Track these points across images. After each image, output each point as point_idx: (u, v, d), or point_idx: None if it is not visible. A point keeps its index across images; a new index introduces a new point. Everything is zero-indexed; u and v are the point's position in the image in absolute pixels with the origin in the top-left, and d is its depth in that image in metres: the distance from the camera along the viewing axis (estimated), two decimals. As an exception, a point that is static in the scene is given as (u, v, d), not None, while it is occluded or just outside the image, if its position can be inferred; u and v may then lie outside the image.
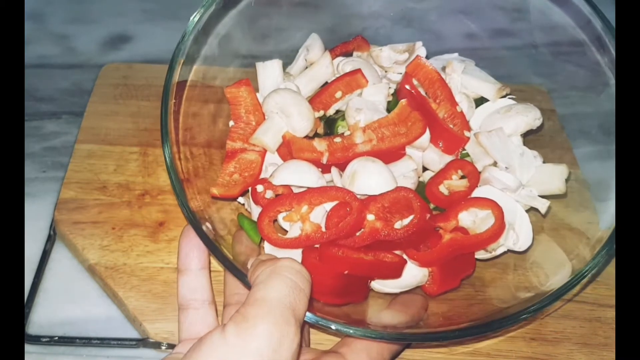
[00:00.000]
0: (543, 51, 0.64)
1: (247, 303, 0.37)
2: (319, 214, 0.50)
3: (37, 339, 0.52)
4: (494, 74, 0.63)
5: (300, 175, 0.52)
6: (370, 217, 0.49)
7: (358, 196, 0.50)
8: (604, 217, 0.51)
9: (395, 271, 0.50)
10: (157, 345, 0.52)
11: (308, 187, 0.51)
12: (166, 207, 0.59)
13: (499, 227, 0.50)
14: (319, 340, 0.53)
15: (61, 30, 0.79)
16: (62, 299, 0.55)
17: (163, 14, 0.83)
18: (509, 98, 0.60)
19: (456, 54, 0.64)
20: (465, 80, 0.61)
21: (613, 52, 0.53)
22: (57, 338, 0.52)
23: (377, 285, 0.51)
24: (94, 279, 0.56)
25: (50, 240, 0.58)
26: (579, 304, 0.57)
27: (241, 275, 0.43)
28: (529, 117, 0.57)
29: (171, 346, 0.52)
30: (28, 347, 0.52)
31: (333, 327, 0.43)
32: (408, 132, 0.54)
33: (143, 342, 0.53)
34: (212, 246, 0.45)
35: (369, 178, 0.51)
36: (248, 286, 0.42)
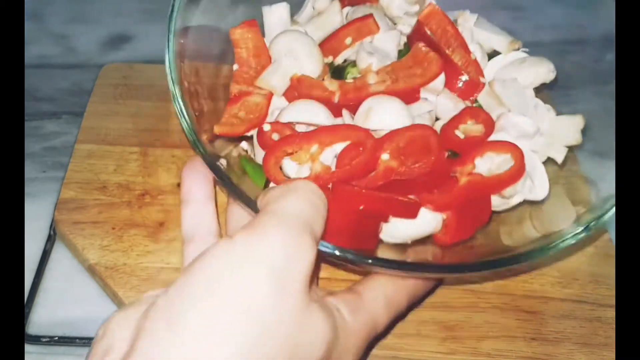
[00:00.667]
0: (544, 50, 0.64)
1: (259, 215, 0.34)
2: (329, 157, 0.47)
3: (37, 339, 0.52)
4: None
5: (310, 113, 0.49)
6: (385, 156, 0.46)
7: (373, 134, 0.47)
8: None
9: (411, 209, 0.47)
10: (157, 345, 0.52)
11: (318, 126, 0.48)
12: (166, 207, 0.59)
13: (519, 168, 0.48)
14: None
15: (61, 30, 0.79)
16: (62, 299, 0.55)
17: (163, 14, 0.82)
18: (522, 51, 0.59)
19: (467, 10, 0.62)
20: (477, 32, 0.59)
21: (613, 51, 0.53)
22: (57, 338, 0.52)
23: (387, 237, 0.49)
24: (94, 279, 0.56)
25: (50, 240, 0.58)
26: (580, 304, 0.57)
27: (251, 202, 0.40)
28: (543, 68, 0.56)
29: (171, 346, 0.52)
30: (28, 347, 0.52)
31: (349, 256, 0.39)
32: (424, 73, 0.52)
33: (143, 342, 0.53)
34: (221, 173, 0.42)
35: (384, 114, 0.48)
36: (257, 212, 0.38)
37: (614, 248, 0.61)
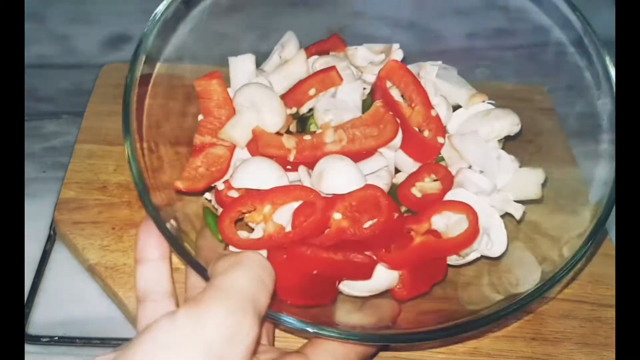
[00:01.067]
0: (543, 51, 0.64)
1: (203, 292, 0.34)
2: (285, 214, 0.48)
3: (37, 339, 0.52)
4: (494, 74, 0.63)
5: (260, 176, 0.50)
6: (337, 215, 0.47)
7: (325, 195, 0.48)
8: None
9: (365, 271, 0.48)
10: (157, 345, 0.52)
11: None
12: (166, 207, 0.59)
13: (473, 231, 0.49)
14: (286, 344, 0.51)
15: (61, 30, 0.79)
16: (62, 299, 0.55)
17: (163, 14, 0.82)
18: (488, 103, 0.59)
19: (439, 62, 0.62)
20: (438, 84, 0.59)
21: (613, 52, 0.53)
22: (57, 338, 0.52)
23: (346, 288, 0.50)
24: (94, 279, 0.56)
25: (50, 240, 0.58)
26: (579, 304, 0.57)
27: (201, 270, 0.41)
28: (507, 121, 0.56)
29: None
30: (28, 347, 0.52)
31: (295, 324, 0.40)
32: (379, 135, 0.53)
33: (143, 342, 0.53)
34: (172, 239, 0.42)
35: (337, 176, 0.49)
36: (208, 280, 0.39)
37: (614, 248, 0.61)
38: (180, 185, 0.51)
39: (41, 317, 0.53)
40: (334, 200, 0.48)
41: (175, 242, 0.42)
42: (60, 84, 0.72)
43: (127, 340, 0.52)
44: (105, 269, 0.55)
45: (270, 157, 0.51)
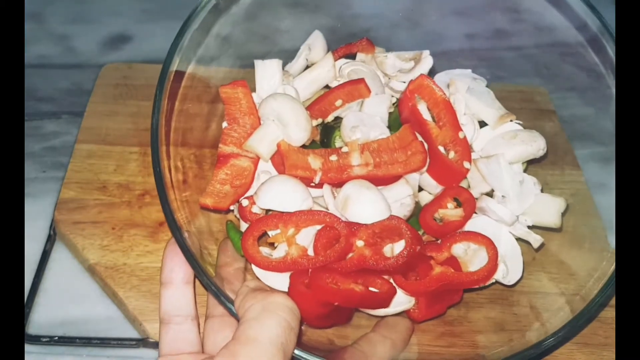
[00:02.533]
0: (543, 52, 0.64)
1: (238, 340, 0.36)
2: (308, 235, 0.48)
3: (37, 339, 0.52)
4: (494, 74, 0.62)
5: (284, 196, 0.50)
6: (360, 243, 0.48)
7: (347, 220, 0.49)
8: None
9: (384, 302, 0.49)
10: (156, 345, 0.52)
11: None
12: (166, 207, 0.59)
13: (492, 268, 0.50)
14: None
15: (61, 30, 0.79)
16: (62, 299, 0.55)
17: (163, 14, 0.83)
18: (516, 123, 0.58)
19: (469, 71, 0.61)
20: (467, 101, 0.58)
21: (613, 53, 0.53)
22: (57, 338, 0.52)
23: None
24: (94, 279, 0.56)
25: (50, 240, 0.58)
26: (579, 304, 0.57)
27: (225, 301, 0.42)
28: (533, 147, 0.55)
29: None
30: (28, 347, 0.52)
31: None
32: (407, 162, 0.52)
33: (143, 342, 0.53)
34: (197, 268, 0.43)
35: (363, 206, 0.49)
36: (234, 314, 0.41)
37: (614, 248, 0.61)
38: (206, 202, 0.51)
39: (41, 317, 0.53)
40: (358, 227, 0.48)
41: (200, 272, 0.43)
42: (60, 84, 0.72)
43: (127, 340, 0.53)
44: (105, 269, 0.55)
45: (293, 178, 0.51)
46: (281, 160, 0.52)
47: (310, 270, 0.47)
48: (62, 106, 0.70)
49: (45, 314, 0.54)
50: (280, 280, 0.48)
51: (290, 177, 0.51)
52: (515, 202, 0.54)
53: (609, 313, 0.56)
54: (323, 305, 0.47)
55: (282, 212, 0.49)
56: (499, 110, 0.58)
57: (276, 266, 0.47)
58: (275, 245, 0.49)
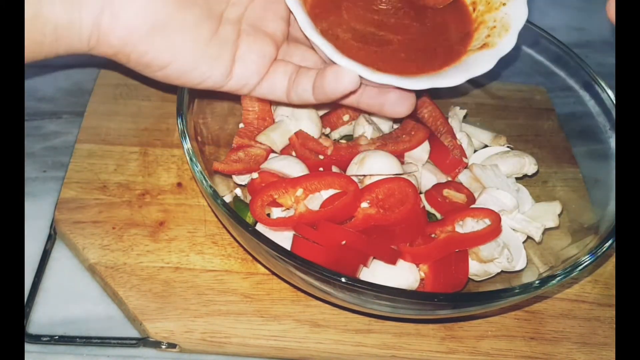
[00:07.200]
0: (543, 51, 0.64)
1: None
2: (316, 202, 0.51)
3: (37, 339, 0.52)
4: (494, 74, 0.62)
5: (289, 166, 0.53)
6: (364, 204, 0.50)
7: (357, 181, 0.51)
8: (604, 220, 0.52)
9: (390, 254, 0.50)
10: (157, 344, 0.52)
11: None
12: (166, 207, 0.59)
13: (496, 228, 0.51)
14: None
15: (61, 30, 0.79)
16: (63, 298, 0.55)
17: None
18: (507, 147, 0.63)
19: (457, 107, 0.66)
20: (464, 126, 0.64)
21: (613, 53, 0.53)
22: (57, 337, 0.52)
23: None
24: (94, 279, 0.56)
25: (51, 239, 0.58)
26: (578, 303, 0.57)
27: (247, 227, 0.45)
28: (526, 160, 0.60)
29: (171, 345, 0.52)
30: (28, 347, 0.52)
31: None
32: (410, 139, 0.57)
33: (143, 341, 0.53)
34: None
35: (379, 158, 0.53)
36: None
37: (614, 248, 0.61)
38: (218, 166, 0.54)
39: (41, 317, 0.54)
40: (363, 190, 0.51)
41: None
42: (60, 84, 0.72)
43: (127, 339, 0.53)
44: (105, 269, 0.55)
45: (308, 157, 0.55)
46: (292, 153, 0.56)
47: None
48: (63, 106, 0.70)
49: (46, 313, 0.54)
50: (286, 238, 0.49)
51: (295, 158, 0.55)
52: (515, 200, 0.56)
53: (608, 312, 0.56)
54: (327, 253, 0.48)
55: (290, 178, 0.52)
56: (492, 133, 0.64)
57: (283, 222, 0.49)
58: (283, 210, 0.51)
